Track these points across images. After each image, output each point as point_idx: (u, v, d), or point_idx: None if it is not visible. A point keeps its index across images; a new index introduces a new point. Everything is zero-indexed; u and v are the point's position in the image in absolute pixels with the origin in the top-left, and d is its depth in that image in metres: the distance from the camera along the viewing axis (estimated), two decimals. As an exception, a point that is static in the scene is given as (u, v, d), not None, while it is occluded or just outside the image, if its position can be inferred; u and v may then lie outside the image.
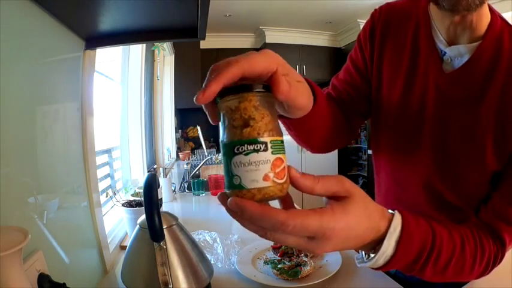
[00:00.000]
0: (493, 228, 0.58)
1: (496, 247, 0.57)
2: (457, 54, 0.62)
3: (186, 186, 2.23)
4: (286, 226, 0.35)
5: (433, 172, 0.67)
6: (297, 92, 0.46)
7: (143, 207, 0.68)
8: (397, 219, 0.45)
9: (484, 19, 0.60)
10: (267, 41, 4.68)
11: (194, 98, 0.36)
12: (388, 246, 0.44)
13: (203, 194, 1.94)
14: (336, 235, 0.38)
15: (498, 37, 0.59)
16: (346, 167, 4.94)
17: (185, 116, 4.75)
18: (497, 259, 0.58)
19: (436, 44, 0.65)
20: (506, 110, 0.57)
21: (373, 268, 0.48)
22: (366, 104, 0.79)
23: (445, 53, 0.64)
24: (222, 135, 0.37)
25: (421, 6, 0.69)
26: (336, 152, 4.81)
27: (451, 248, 0.52)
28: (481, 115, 0.59)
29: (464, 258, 0.53)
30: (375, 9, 0.75)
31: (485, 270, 0.58)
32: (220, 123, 0.38)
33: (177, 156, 3.79)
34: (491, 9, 0.62)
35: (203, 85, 0.36)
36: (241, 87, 0.36)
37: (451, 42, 0.63)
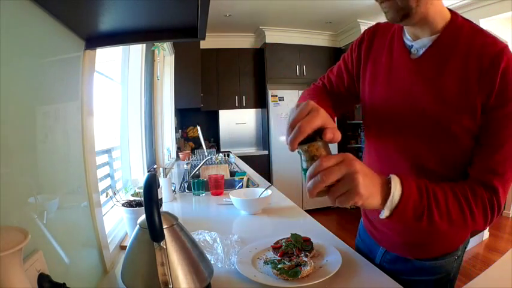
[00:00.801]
0: (482, 181, 0.71)
1: (489, 193, 0.70)
2: (422, 45, 0.82)
3: (186, 186, 2.24)
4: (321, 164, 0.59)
5: (417, 148, 0.83)
6: None
7: (143, 207, 0.68)
8: (392, 175, 0.65)
9: (439, 19, 0.79)
10: (267, 41, 4.68)
11: (288, 145, 0.63)
12: (396, 185, 0.63)
13: (203, 194, 1.94)
14: (356, 160, 0.61)
15: (457, 29, 0.78)
16: (346, 167, 4.93)
17: (185, 116, 4.75)
18: (493, 204, 0.70)
19: (405, 42, 0.86)
20: (469, 77, 0.74)
21: (391, 215, 0.64)
22: (353, 95, 1.02)
23: (412, 46, 0.84)
24: (301, 162, 0.65)
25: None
26: (336, 152, 4.79)
27: (443, 191, 0.67)
28: (445, 86, 0.77)
29: (458, 198, 0.68)
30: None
31: (486, 215, 0.69)
32: (299, 155, 0.64)
33: (177, 156, 3.79)
34: (452, 11, 0.82)
35: (290, 137, 0.61)
36: (308, 139, 0.61)
37: (416, 38, 0.83)
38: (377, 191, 0.62)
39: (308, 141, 0.61)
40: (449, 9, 0.82)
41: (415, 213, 0.65)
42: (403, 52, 0.86)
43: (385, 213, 0.64)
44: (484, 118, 0.73)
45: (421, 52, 0.83)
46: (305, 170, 0.64)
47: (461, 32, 0.78)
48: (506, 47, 0.74)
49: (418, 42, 0.83)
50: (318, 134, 0.61)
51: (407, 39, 0.86)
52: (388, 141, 0.90)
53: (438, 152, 0.80)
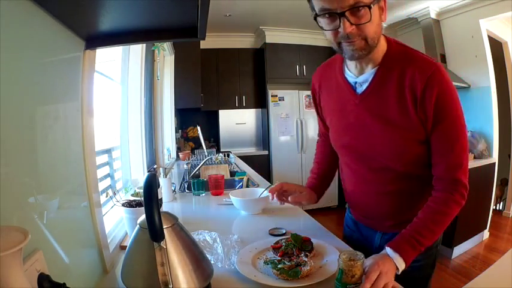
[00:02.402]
0: (448, 178, 0.89)
1: (456, 187, 0.88)
2: (364, 80, 0.94)
3: (186, 186, 2.23)
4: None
5: (378, 164, 0.99)
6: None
7: (143, 207, 0.68)
8: (395, 257, 0.84)
9: (379, 52, 0.90)
10: (267, 41, 4.68)
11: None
12: (401, 265, 0.83)
13: (203, 194, 1.94)
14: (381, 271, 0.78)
15: (392, 60, 0.90)
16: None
17: (185, 116, 4.75)
18: (462, 193, 0.88)
19: (347, 79, 0.99)
20: (407, 105, 0.87)
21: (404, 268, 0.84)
22: None
23: (355, 82, 0.96)
24: (341, 275, 0.75)
25: (338, 58, 1.02)
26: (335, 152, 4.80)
27: (424, 225, 0.87)
28: (389, 114, 0.90)
29: (436, 220, 0.88)
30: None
31: (460, 204, 0.89)
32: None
33: (177, 156, 3.78)
34: (388, 39, 0.93)
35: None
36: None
37: (361, 73, 0.95)
38: (393, 271, 0.82)
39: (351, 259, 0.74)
40: (385, 36, 0.92)
41: (416, 255, 0.86)
42: (347, 89, 0.99)
43: (399, 272, 0.84)
44: (432, 131, 0.87)
45: (364, 87, 0.94)
46: (342, 284, 0.75)
47: (395, 62, 0.90)
48: (436, 69, 0.85)
49: (360, 78, 0.94)
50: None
51: (350, 75, 0.98)
52: (354, 163, 1.06)
53: (397, 163, 0.95)
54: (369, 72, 0.92)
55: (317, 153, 1.30)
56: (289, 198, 1.19)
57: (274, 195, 1.22)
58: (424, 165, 0.93)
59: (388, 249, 0.85)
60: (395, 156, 0.94)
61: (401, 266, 0.83)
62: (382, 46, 0.90)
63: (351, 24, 0.80)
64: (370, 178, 1.03)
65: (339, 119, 1.04)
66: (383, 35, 0.90)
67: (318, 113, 1.20)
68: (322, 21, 0.85)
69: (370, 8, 0.79)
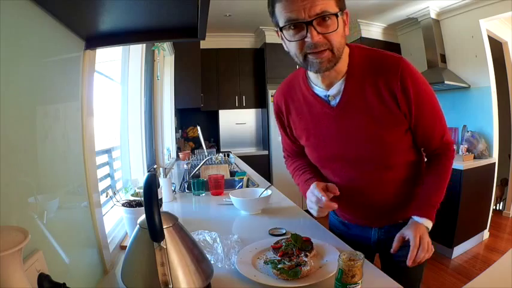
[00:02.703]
0: (442, 148, 1.03)
1: (447, 150, 1.03)
2: (336, 92, 0.95)
3: (186, 186, 2.23)
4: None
5: (367, 165, 1.01)
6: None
7: (143, 207, 0.68)
8: (425, 221, 0.98)
9: (343, 62, 0.92)
10: (267, 41, 4.68)
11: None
12: (428, 224, 0.98)
13: (203, 194, 1.94)
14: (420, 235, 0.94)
15: (357, 65, 0.93)
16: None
17: (185, 116, 4.75)
18: (452, 152, 1.04)
19: (317, 94, 0.99)
20: (386, 101, 0.91)
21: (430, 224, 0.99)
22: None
23: (328, 95, 0.97)
24: (340, 275, 0.75)
25: (300, 74, 1.04)
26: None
27: (436, 186, 1.02)
28: (373, 113, 0.93)
29: (441, 177, 1.02)
30: (272, 96, 1.19)
31: (452, 160, 1.05)
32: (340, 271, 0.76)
33: (177, 156, 3.78)
34: (350, 46, 0.95)
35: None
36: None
37: (330, 86, 0.95)
38: (427, 233, 0.96)
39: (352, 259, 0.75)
40: (347, 45, 0.93)
41: (436, 211, 0.99)
42: (320, 103, 0.99)
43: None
44: (417, 118, 0.93)
45: (338, 98, 0.96)
46: (342, 284, 0.75)
47: (362, 69, 0.93)
48: (402, 65, 0.89)
49: (331, 90, 0.96)
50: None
51: (319, 90, 0.98)
52: (343, 171, 1.06)
53: (390, 157, 0.99)
54: (339, 83, 0.94)
55: (296, 166, 1.19)
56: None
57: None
58: (412, 150, 1.02)
59: (415, 218, 0.98)
60: (387, 151, 0.97)
61: (430, 225, 0.98)
62: (345, 56, 0.92)
63: (318, 33, 0.80)
64: (364, 180, 1.03)
65: (317, 134, 1.03)
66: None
67: (286, 134, 1.16)
68: (287, 34, 0.84)
69: (337, 16, 0.81)
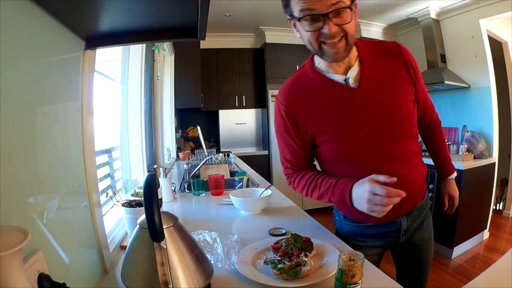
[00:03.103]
0: (435, 120, 1.27)
1: (437, 120, 1.29)
2: (355, 74, 1.00)
3: (186, 186, 2.23)
4: None
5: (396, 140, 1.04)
6: None
7: (143, 207, 0.68)
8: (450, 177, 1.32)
9: (354, 48, 1.00)
10: (267, 41, 4.68)
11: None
12: (453, 174, 1.32)
13: (203, 194, 1.94)
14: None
15: (364, 47, 1.03)
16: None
17: (185, 116, 4.75)
18: (439, 119, 1.29)
19: (336, 80, 1.01)
20: (398, 71, 1.03)
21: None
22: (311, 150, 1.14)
23: (347, 78, 1.00)
24: (340, 275, 0.75)
25: (305, 70, 1.11)
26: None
27: (442, 148, 1.32)
28: (391, 85, 1.02)
29: (443, 140, 1.31)
30: (276, 99, 1.15)
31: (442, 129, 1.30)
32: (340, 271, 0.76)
33: (177, 156, 3.78)
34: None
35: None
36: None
37: (347, 70, 1.00)
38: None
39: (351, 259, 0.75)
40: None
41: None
42: (339, 89, 1.01)
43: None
44: (418, 89, 1.06)
45: (357, 79, 1.00)
46: (342, 284, 0.75)
47: (368, 49, 1.03)
48: (400, 44, 1.07)
49: (350, 72, 1.00)
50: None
51: (336, 76, 1.01)
52: (374, 159, 1.01)
53: (412, 125, 1.06)
54: (355, 66, 1.00)
55: (309, 177, 1.08)
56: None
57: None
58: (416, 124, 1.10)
59: (450, 177, 1.30)
60: (408, 121, 1.04)
61: (455, 174, 1.32)
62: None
63: (334, 24, 0.86)
64: (395, 159, 1.01)
65: (340, 121, 1.00)
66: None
67: (296, 140, 1.07)
68: (303, 24, 0.90)
69: (351, 9, 0.87)
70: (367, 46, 1.04)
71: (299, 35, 0.96)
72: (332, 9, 0.84)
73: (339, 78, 1.00)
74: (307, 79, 1.07)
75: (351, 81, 0.99)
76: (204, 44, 4.10)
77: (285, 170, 1.17)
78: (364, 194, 0.87)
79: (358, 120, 1.00)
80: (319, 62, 1.05)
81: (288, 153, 1.12)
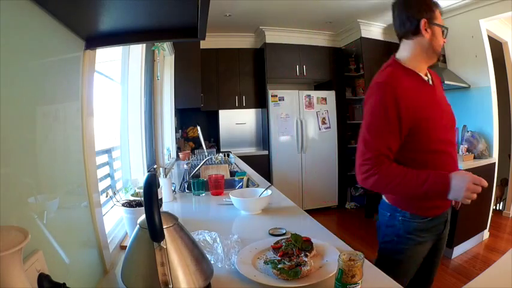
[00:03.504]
0: None
1: None
2: (430, 77, 1.29)
3: (186, 186, 2.23)
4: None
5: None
6: None
7: (143, 207, 0.68)
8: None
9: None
10: (267, 41, 4.68)
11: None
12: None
13: (203, 194, 1.94)
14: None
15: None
16: (346, 167, 4.94)
17: (185, 116, 4.75)
18: None
19: (423, 78, 1.25)
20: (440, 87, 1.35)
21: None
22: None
23: (428, 79, 1.26)
24: (340, 275, 0.76)
25: (397, 71, 1.22)
26: (336, 152, 4.81)
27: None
28: (440, 87, 1.33)
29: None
30: (385, 84, 1.18)
31: None
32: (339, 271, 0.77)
33: (177, 156, 3.78)
34: None
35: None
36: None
37: (424, 72, 1.28)
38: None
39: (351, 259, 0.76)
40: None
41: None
42: (426, 84, 1.25)
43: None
44: None
45: (430, 81, 1.27)
46: (342, 284, 0.75)
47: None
48: None
49: (428, 75, 1.28)
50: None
51: (423, 76, 1.25)
52: (449, 145, 1.26)
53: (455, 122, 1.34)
54: (425, 71, 1.28)
55: (403, 167, 1.15)
56: None
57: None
58: None
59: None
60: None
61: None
62: None
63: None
64: (454, 145, 1.30)
65: (434, 107, 1.22)
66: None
67: (399, 126, 1.13)
68: (440, 33, 1.25)
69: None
70: None
71: (432, 39, 1.22)
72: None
73: (424, 77, 1.24)
74: (400, 75, 1.19)
75: (429, 81, 1.26)
76: (204, 44, 4.10)
77: (376, 158, 1.14)
78: (464, 183, 1.05)
79: (441, 110, 1.24)
80: (408, 63, 1.23)
81: (391, 140, 1.14)
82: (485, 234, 3.37)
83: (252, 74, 4.89)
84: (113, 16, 0.80)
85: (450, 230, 1.47)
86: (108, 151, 1.65)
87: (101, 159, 1.51)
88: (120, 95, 1.94)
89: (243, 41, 5.00)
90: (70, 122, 0.83)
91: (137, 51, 2.03)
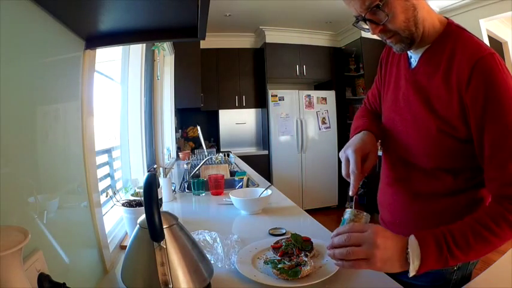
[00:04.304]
0: (504, 195, 0.72)
1: (508, 205, 0.70)
2: (417, 56, 0.88)
3: (186, 186, 2.23)
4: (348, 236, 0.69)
5: (413, 147, 0.89)
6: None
7: (143, 207, 0.68)
8: (410, 240, 0.69)
9: (432, 31, 0.83)
10: (267, 41, 4.68)
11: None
12: (414, 253, 0.67)
13: (203, 194, 1.94)
14: (378, 238, 0.67)
15: (445, 38, 0.83)
16: (346, 167, 4.94)
17: (185, 116, 4.75)
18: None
19: (407, 53, 0.91)
20: (451, 88, 0.78)
21: (418, 272, 0.67)
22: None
23: (411, 56, 0.91)
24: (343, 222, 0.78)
25: None
26: (336, 152, 4.81)
27: (461, 231, 0.69)
28: (432, 95, 0.83)
29: (478, 232, 0.69)
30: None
31: (510, 228, 0.70)
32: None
33: (177, 156, 3.79)
34: (449, 21, 0.85)
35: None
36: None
37: (416, 49, 0.87)
38: (396, 260, 0.68)
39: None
40: (447, 18, 0.86)
41: (439, 264, 0.68)
42: (405, 63, 0.93)
43: (411, 274, 0.68)
44: (480, 132, 0.75)
45: (414, 64, 0.89)
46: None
47: (446, 42, 0.82)
48: (488, 55, 0.73)
49: (414, 54, 0.89)
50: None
51: (410, 51, 0.89)
52: (394, 143, 0.96)
53: (429, 151, 0.85)
54: (421, 49, 0.86)
55: (363, 110, 1.13)
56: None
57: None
58: (459, 158, 0.82)
59: (411, 237, 0.70)
60: (425, 150, 0.85)
61: (415, 262, 0.66)
62: (436, 27, 0.83)
63: (377, 24, 0.78)
64: (395, 168, 0.95)
65: (389, 90, 0.98)
66: (444, 17, 0.85)
67: (376, 83, 1.09)
68: (361, 24, 0.83)
69: (379, 6, 0.75)
70: (450, 37, 0.83)
71: None
72: (366, 12, 0.77)
73: (409, 52, 0.92)
74: None
75: (412, 61, 0.92)
76: (204, 44, 4.10)
77: (363, 103, 1.20)
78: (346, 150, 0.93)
79: (394, 104, 1.00)
80: None
81: (370, 92, 1.16)
82: (485, 234, 3.36)
83: (252, 74, 4.90)
84: (113, 16, 0.80)
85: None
86: (108, 151, 1.65)
87: (101, 159, 1.51)
88: (120, 95, 1.94)
89: (243, 41, 5.00)
90: (70, 121, 0.83)
91: (137, 51, 2.03)
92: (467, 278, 0.93)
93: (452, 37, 0.82)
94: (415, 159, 0.88)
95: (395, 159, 0.94)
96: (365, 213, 0.79)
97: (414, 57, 0.89)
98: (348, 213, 0.80)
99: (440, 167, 0.84)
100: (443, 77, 0.80)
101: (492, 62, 0.72)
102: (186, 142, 4.54)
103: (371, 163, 0.88)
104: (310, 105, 4.70)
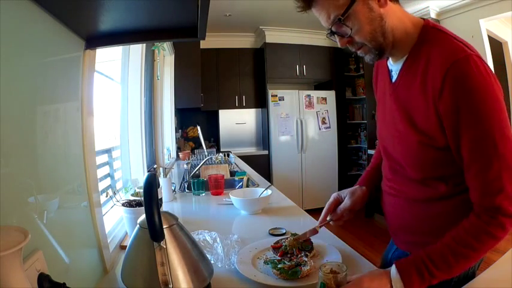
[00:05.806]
0: (485, 206, 0.71)
1: (492, 216, 0.70)
2: (397, 69, 0.85)
3: (186, 186, 2.23)
4: None
5: (400, 159, 0.89)
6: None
7: (143, 207, 0.68)
8: (392, 273, 0.73)
9: (407, 39, 0.80)
10: (267, 41, 4.68)
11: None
12: (394, 276, 0.72)
13: (203, 194, 1.94)
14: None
15: (420, 45, 0.79)
16: (346, 167, 4.94)
17: (185, 116, 4.75)
18: (500, 223, 0.69)
19: (388, 66, 0.90)
20: (426, 86, 0.75)
21: None
22: None
23: (392, 70, 0.88)
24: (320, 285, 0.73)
25: None
26: (336, 152, 4.81)
27: (441, 252, 0.72)
28: (412, 109, 0.80)
29: (456, 250, 0.71)
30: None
31: (495, 237, 0.70)
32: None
33: (177, 156, 3.79)
34: (425, 23, 0.81)
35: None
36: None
37: (395, 61, 0.86)
38: None
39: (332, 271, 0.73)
40: (423, 19, 0.82)
41: (423, 286, 0.71)
42: (387, 77, 0.90)
43: None
44: (457, 141, 0.72)
45: (395, 77, 0.86)
46: None
47: (423, 47, 0.78)
48: (464, 58, 0.69)
49: (394, 66, 0.87)
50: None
51: (390, 63, 0.89)
52: (387, 157, 0.96)
53: (415, 163, 0.84)
54: (401, 61, 0.83)
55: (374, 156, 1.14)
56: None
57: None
58: (446, 166, 0.79)
59: (393, 268, 0.73)
60: (412, 162, 0.85)
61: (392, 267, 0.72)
62: (410, 33, 0.80)
63: (342, 37, 0.79)
64: (391, 178, 0.95)
65: (379, 107, 0.97)
66: (421, 18, 0.82)
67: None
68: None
69: (340, 20, 0.75)
70: (427, 42, 0.78)
71: None
72: (332, 25, 0.77)
73: (389, 65, 0.91)
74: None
75: (393, 75, 0.89)
76: (204, 44, 4.10)
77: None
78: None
79: (381, 118, 1.00)
80: None
81: None
82: (485, 234, 3.36)
83: (252, 74, 4.89)
84: (113, 16, 0.80)
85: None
86: (108, 151, 1.65)
87: (101, 159, 1.51)
88: (120, 94, 1.94)
89: (243, 41, 5.00)
90: (70, 121, 0.83)
91: (137, 51, 2.03)
92: (471, 278, 0.93)
93: (427, 42, 0.78)
94: (405, 171, 0.88)
95: (391, 171, 0.95)
96: (340, 265, 0.74)
97: (395, 70, 0.86)
98: (320, 278, 0.73)
99: (430, 177, 0.83)
100: (420, 87, 0.76)
101: (466, 66, 0.68)
102: (186, 142, 4.54)
103: (344, 207, 1.00)
104: (310, 105, 4.70)
